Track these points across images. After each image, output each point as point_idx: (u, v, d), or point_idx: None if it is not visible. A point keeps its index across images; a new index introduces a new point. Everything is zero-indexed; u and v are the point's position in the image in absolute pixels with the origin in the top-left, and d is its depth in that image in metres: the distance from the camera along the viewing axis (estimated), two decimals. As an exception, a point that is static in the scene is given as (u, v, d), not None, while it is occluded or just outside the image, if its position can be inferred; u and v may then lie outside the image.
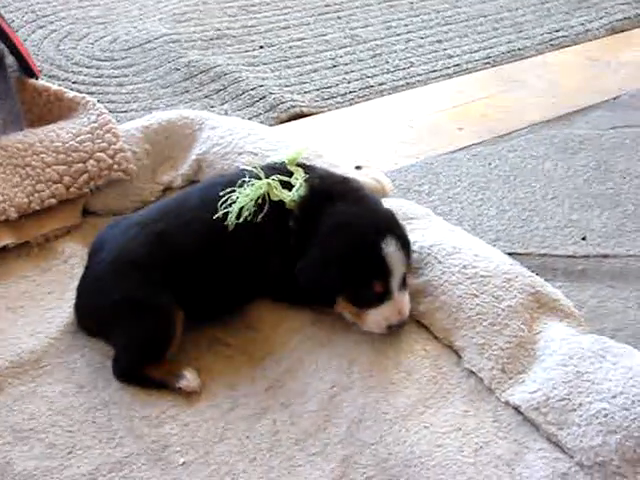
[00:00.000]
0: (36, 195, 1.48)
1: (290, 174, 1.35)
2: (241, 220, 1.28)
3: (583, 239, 1.58)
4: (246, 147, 1.48)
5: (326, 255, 1.27)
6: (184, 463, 1.15)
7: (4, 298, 1.41)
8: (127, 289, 1.27)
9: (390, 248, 1.27)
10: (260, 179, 1.32)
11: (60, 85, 2.00)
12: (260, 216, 1.29)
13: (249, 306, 1.38)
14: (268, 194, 1.31)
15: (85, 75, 2.12)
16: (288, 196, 1.31)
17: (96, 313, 1.31)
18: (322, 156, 1.50)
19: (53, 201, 1.50)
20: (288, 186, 1.33)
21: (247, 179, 1.31)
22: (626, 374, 1.18)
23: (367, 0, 2.62)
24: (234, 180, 1.32)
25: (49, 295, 1.41)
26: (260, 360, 1.31)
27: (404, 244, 1.30)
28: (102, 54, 2.23)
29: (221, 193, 1.29)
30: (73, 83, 2.07)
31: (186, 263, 1.29)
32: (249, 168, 1.34)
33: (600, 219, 1.64)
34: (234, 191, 1.30)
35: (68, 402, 1.23)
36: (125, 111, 1.97)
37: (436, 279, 1.33)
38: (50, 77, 2.08)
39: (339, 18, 2.49)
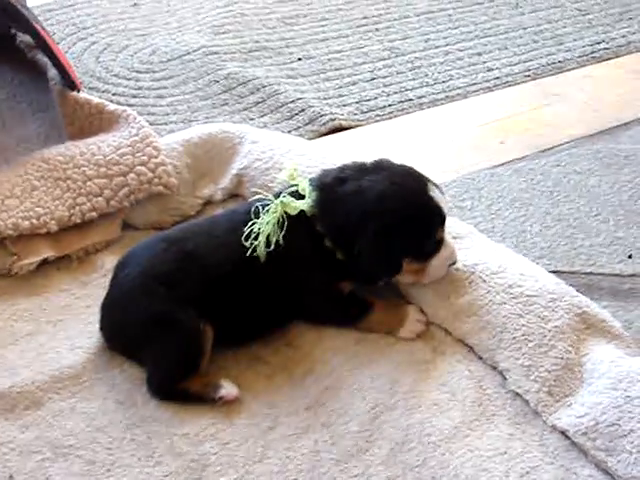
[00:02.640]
0: (77, 208, 1.48)
1: (296, 190, 1.33)
2: (272, 247, 1.27)
3: (629, 257, 1.55)
4: (287, 163, 1.46)
5: (385, 224, 1.25)
6: (224, 483, 1.14)
7: (44, 311, 1.41)
8: (153, 305, 1.26)
9: (436, 192, 1.29)
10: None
11: (100, 97, 2.01)
12: (282, 234, 1.27)
13: (291, 324, 1.37)
14: (286, 212, 1.29)
15: (125, 87, 2.12)
16: (304, 204, 1.30)
17: (123, 331, 1.30)
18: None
19: (94, 214, 1.50)
20: (301, 198, 1.32)
21: (261, 207, 1.30)
22: (679, 399, 1.14)
23: (405, 12, 2.60)
24: (250, 210, 1.31)
25: (88, 309, 1.41)
26: (300, 378, 1.29)
27: (437, 185, 1.33)
28: (141, 66, 2.23)
29: (245, 229, 1.28)
30: (113, 95, 2.07)
31: (217, 286, 1.28)
32: (259, 197, 1.33)
33: (646, 237, 1.60)
34: (254, 223, 1.28)
35: (107, 419, 1.22)
36: (165, 123, 1.96)
37: (480, 298, 1.30)
38: (90, 89, 2.08)
39: (377, 30, 2.47)
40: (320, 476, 1.15)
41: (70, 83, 1.65)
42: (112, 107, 1.64)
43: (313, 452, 1.18)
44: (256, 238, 1.27)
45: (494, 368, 1.27)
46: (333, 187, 1.30)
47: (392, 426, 1.19)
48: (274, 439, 1.20)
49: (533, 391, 1.20)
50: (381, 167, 1.32)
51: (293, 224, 1.28)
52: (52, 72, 1.71)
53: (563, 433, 1.16)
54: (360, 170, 1.32)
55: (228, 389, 1.25)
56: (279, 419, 1.23)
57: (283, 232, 1.27)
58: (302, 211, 1.30)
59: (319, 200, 1.30)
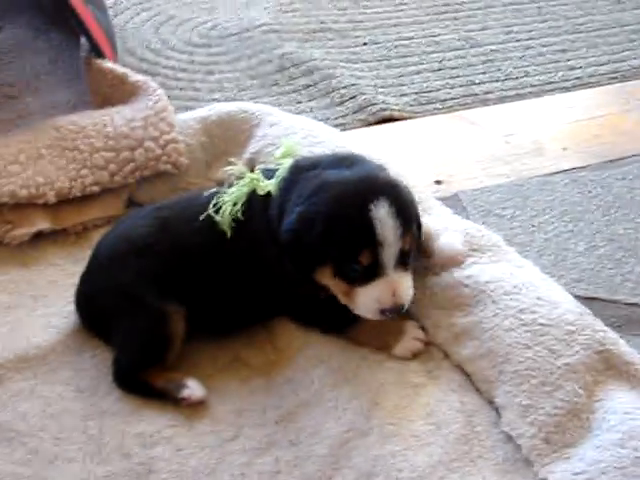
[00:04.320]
0: (79, 181, 1.41)
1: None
2: (229, 220, 1.17)
3: (684, 291, 1.34)
4: (299, 151, 1.33)
5: (308, 211, 1.10)
6: (165, 493, 1.04)
7: (30, 284, 1.34)
8: (121, 276, 1.18)
9: (381, 212, 1.08)
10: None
11: (149, 69, 1.96)
12: (240, 212, 1.17)
13: (279, 325, 1.25)
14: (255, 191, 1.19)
15: (177, 60, 2.04)
16: (271, 184, 1.18)
17: (93, 303, 1.23)
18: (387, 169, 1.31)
19: (95, 188, 1.42)
20: None
21: (234, 181, 1.21)
22: (698, 468, 0.95)
23: (490, 2, 2.40)
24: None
25: (74, 287, 1.33)
26: (278, 386, 1.17)
27: (402, 212, 1.10)
28: (199, 40, 2.14)
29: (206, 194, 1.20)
30: (162, 67, 2.00)
31: (187, 258, 1.19)
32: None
33: None
34: (221, 195, 1.19)
35: (63, 406, 1.15)
36: (207, 100, 1.87)
37: (486, 321, 1.14)
38: (141, 60, 2.02)
39: (456, 19, 2.29)
40: (272, 500, 1.03)
41: (97, 50, 1.58)
42: (135, 77, 1.55)
43: (272, 472, 1.06)
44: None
45: (490, 403, 1.11)
46: (301, 172, 1.17)
47: (362, 454, 1.06)
48: (232, 451, 1.09)
49: (528, 435, 1.04)
50: (353, 162, 1.18)
51: (257, 204, 1.18)
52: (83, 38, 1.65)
53: (555, 489, 1.00)
54: (336, 160, 1.19)
55: (193, 389, 1.14)
56: (243, 430, 1.12)
57: (246, 211, 1.17)
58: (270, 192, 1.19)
59: (282, 183, 1.18)
